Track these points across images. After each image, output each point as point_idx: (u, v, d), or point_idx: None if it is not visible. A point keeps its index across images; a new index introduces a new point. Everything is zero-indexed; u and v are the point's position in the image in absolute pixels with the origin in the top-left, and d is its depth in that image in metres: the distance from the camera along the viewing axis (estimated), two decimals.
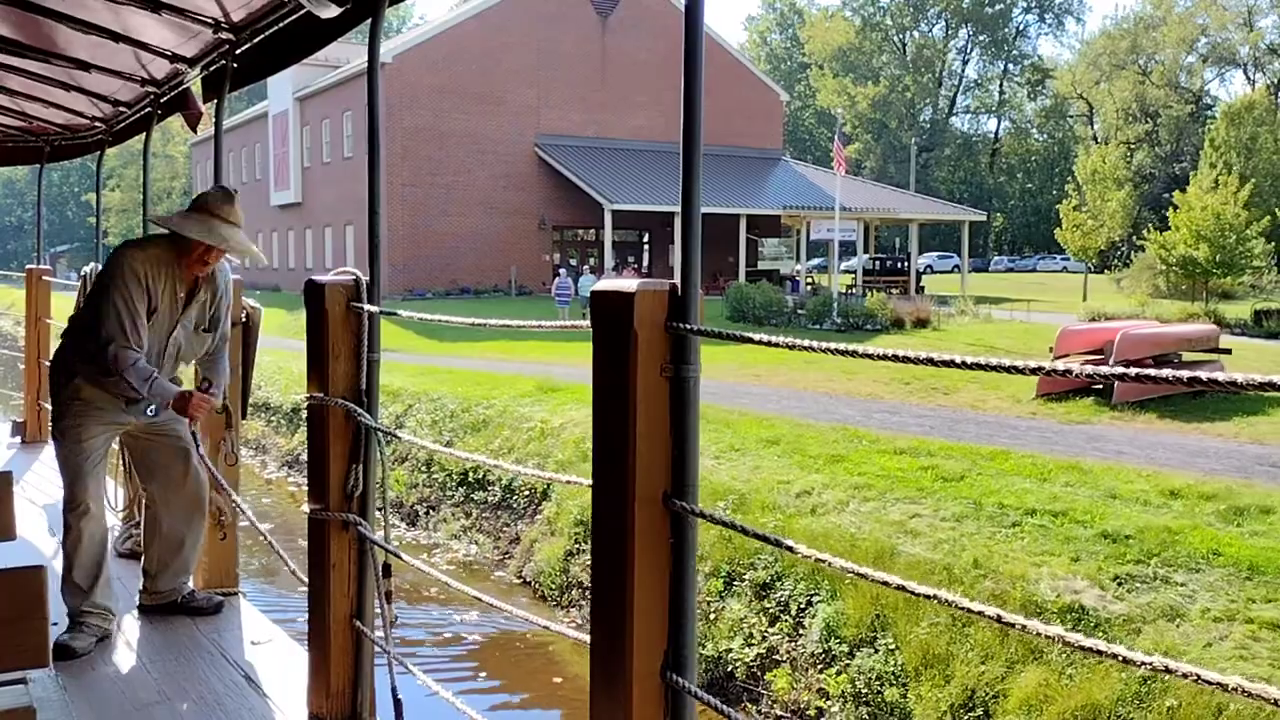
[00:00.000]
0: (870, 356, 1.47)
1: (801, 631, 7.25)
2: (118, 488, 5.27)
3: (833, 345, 1.52)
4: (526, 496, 11.25)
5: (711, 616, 7.86)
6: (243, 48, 4.09)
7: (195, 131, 5.83)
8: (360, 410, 2.97)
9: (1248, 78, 76.74)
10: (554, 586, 9.74)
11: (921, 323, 25.51)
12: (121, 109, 5.84)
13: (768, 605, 7.61)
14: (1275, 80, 74.80)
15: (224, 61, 4.26)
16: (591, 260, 37.29)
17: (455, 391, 14.81)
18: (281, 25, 3.74)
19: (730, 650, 7.53)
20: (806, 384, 16.13)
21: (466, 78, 36.51)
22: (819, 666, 6.93)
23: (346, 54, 40.30)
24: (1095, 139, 78.82)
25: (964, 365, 1.35)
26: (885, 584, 1.49)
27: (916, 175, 76.94)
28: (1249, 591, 6.18)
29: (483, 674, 8.31)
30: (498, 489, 11.67)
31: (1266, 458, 10.23)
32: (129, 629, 4.01)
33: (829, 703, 6.71)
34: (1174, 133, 75.53)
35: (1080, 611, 6.27)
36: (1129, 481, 8.68)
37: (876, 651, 6.68)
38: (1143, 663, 1.16)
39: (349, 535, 3.01)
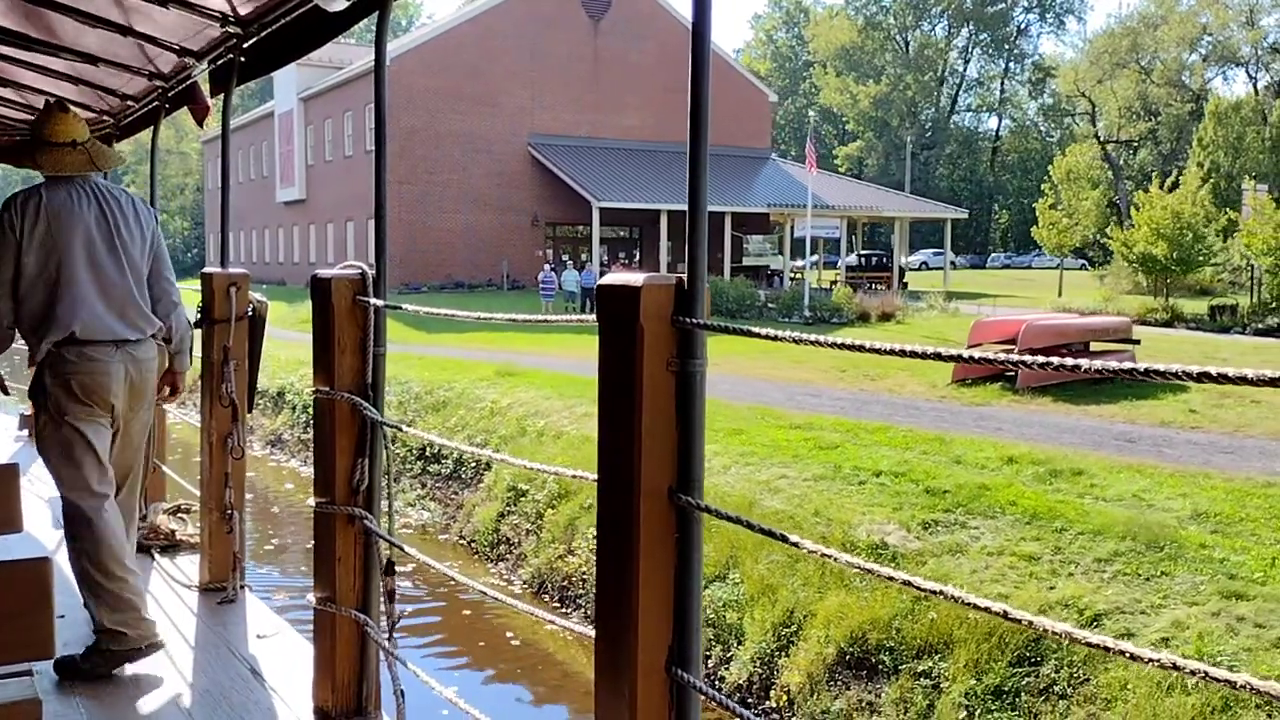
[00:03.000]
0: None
1: None
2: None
3: (826, 338, 1.62)
4: (473, 469, 12.55)
5: None
6: (250, 42, 4.09)
7: (202, 126, 5.90)
8: (366, 404, 2.96)
9: (1249, 76, 77.32)
10: (486, 544, 11.04)
11: (887, 316, 26.70)
12: (129, 103, 5.79)
13: None
14: (1277, 79, 75.38)
15: (231, 55, 4.25)
16: (583, 256, 38.56)
17: (422, 376, 16.12)
18: (289, 19, 3.77)
19: None
20: (752, 371, 17.36)
21: (462, 79, 37.85)
22: None
23: (348, 55, 41.75)
24: (1097, 137, 79.66)
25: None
26: (891, 579, 1.49)
27: (918, 173, 77.90)
28: (1023, 532, 7.42)
29: (443, 636, 9.60)
30: (450, 462, 12.97)
31: (1126, 434, 11.44)
32: None
33: None
34: (1174, 131, 76.08)
35: (883, 547, 7.53)
36: (979, 450, 9.92)
37: (726, 584, 7.94)
38: (1150, 660, 1.14)
39: (355, 529, 3.01)
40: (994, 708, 5.96)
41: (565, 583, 9.54)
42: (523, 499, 10.92)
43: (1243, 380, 1.06)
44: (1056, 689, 5.85)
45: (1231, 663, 5.50)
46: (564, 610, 9.38)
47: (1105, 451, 10.33)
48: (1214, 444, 10.93)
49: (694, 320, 1.74)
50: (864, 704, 6.53)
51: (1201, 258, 29.18)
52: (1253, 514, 7.72)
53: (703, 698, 1.81)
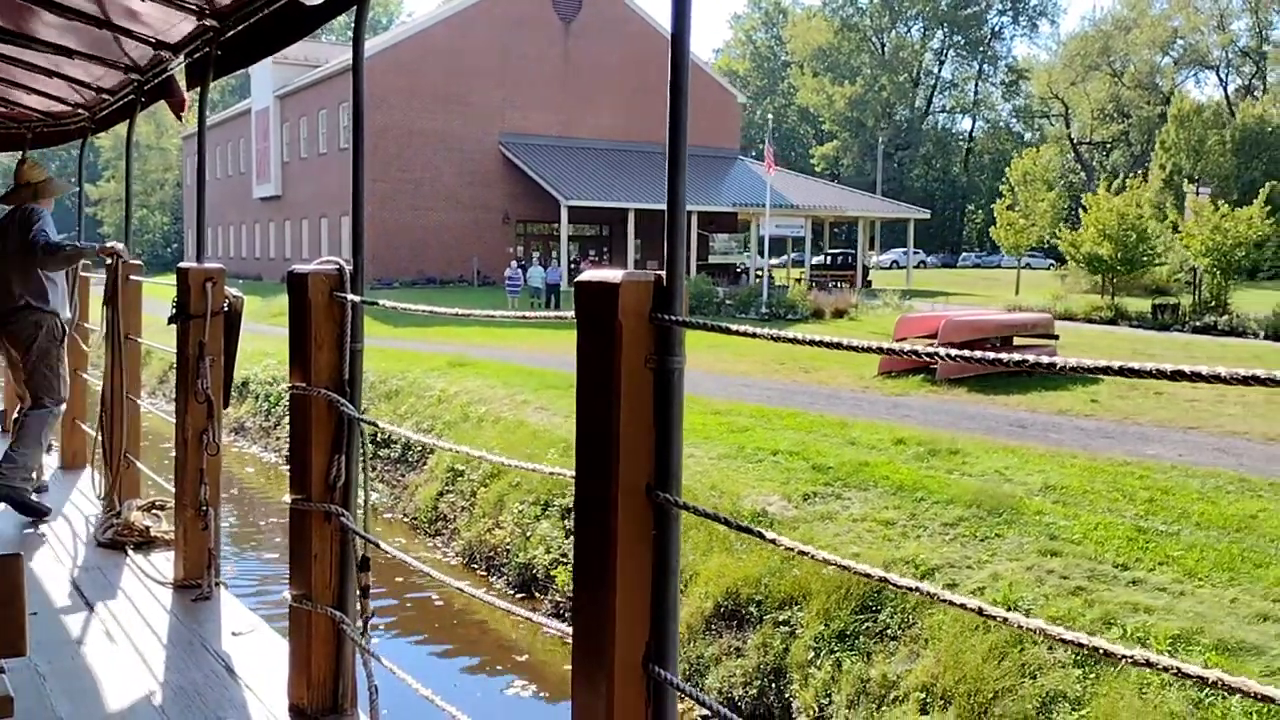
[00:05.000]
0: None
1: None
2: (95, 474, 5.56)
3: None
4: (418, 452, 13.36)
5: (527, 535, 9.98)
6: (227, 35, 4.05)
7: (180, 119, 5.89)
8: (343, 401, 2.94)
9: (1220, 79, 78.75)
10: (426, 521, 11.86)
11: (839, 313, 27.63)
12: (104, 96, 5.76)
13: (567, 524, 9.73)
14: (1246, 82, 76.79)
15: (208, 49, 4.20)
16: (553, 253, 39.40)
17: (378, 367, 16.90)
18: (266, 12, 3.74)
19: (535, 557, 9.66)
20: (696, 364, 18.20)
21: (434, 79, 38.61)
22: None
23: (324, 54, 42.41)
24: (1070, 139, 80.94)
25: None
26: (868, 576, 1.50)
27: (893, 173, 78.92)
28: (888, 502, 8.28)
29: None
30: (398, 447, 13.77)
31: (1022, 420, 12.33)
32: (108, 619, 3.95)
33: None
34: (1144, 133, 77.20)
35: (764, 515, 8.38)
36: (874, 433, 10.79)
37: None
38: (1123, 656, 1.16)
39: (331, 526, 2.99)
40: (837, 649, 6.82)
41: (492, 553, 10.37)
42: (460, 479, 11.73)
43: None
44: (889, 632, 6.71)
45: (1030, 607, 6.37)
46: (489, 578, 10.21)
47: (997, 436, 11.20)
48: (1100, 430, 11.83)
49: (672, 317, 1.74)
50: (732, 649, 7.38)
51: (1146, 258, 30.20)
52: (1097, 488, 8.60)
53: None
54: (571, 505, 10.11)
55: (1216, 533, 7.46)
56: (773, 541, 1.65)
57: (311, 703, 3.03)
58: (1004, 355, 1.26)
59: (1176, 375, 1.10)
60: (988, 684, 5.91)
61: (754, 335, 1.68)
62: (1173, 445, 10.92)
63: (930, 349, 1.41)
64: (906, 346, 1.46)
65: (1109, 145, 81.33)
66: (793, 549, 1.61)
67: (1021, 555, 7.08)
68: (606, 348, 1.75)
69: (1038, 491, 8.52)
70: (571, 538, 9.88)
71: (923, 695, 6.16)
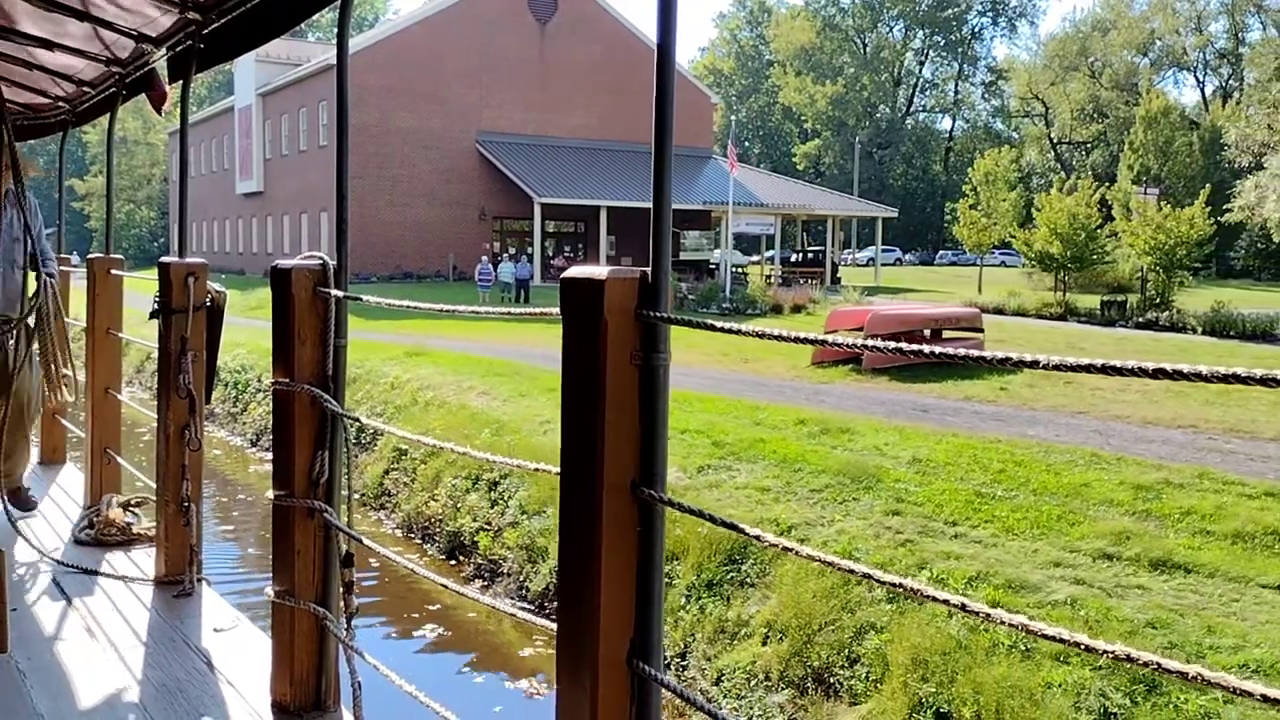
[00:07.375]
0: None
1: (507, 511, 10.33)
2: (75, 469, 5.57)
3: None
4: (371, 434, 14.31)
5: (458, 506, 10.94)
6: (210, 28, 4.03)
7: (161, 114, 5.64)
8: (327, 396, 2.97)
9: (1197, 80, 79.98)
10: (372, 496, 12.81)
11: (798, 308, 28.64)
12: (85, 89, 5.72)
13: (493, 495, 10.70)
14: (1223, 84, 78.02)
15: (190, 42, 4.19)
16: (529, 250, 40.35)
17: None
18: (249, 5, 3.72)
19: (463, 526, 10.63)
20: None
21: (412, 78, 39.53)
22: (508, 529, 10.01)
23: (306, 53, 43.30)
24: (1050, 139, 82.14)
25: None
26: (852, 572, 1.52)
27: (873, 171, 79.99)
28: (770, 472, 9.26)
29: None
30: (353, 430, 14.73)
31: (925, 405, 13.33)
32: (88, 616, 3.95)
33: (507, 551, 9.80)
34: (1120, 134, 78.24)
35: None
36: (780, 415, 11.78)
37: (543, 518, 9.75)
38: (1104, 651, 1.21)
39: (314, 523, 3.01)
40: (704, 595, 7.80)
41: (427, 524, 11.33)
42: (403, 458, 12.69)
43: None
44: (749, 581, 7.69)
45: (861, 554, 7.36)
46: (424, 546, 11.17)
47: (895, 418, 12.19)
48: (995, 414, 12.83)
49: (658, 314, 1.76)
50: None
51: (1095, 256, 31.23)
52: (960, 461, 9.60)
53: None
54: (497, 480, 11.11)
55: (1048, 498, 8.47)
56: (755, 538, 1.67)
57: (294, 699, 3.04)
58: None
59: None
60: (816, 619, 6.90)
61: (738, 332, 1.71)
62: (1055, 427, 11.92)
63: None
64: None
65: (1089, 145, 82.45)
66: (775, 545, 1.64)
67: (869, 515, 8.07)
68: (591, 344, 1.76)
69: (905, 464, 9.52)
70: (495, 507, 10.89)
71: (766, 630, 7.14)
